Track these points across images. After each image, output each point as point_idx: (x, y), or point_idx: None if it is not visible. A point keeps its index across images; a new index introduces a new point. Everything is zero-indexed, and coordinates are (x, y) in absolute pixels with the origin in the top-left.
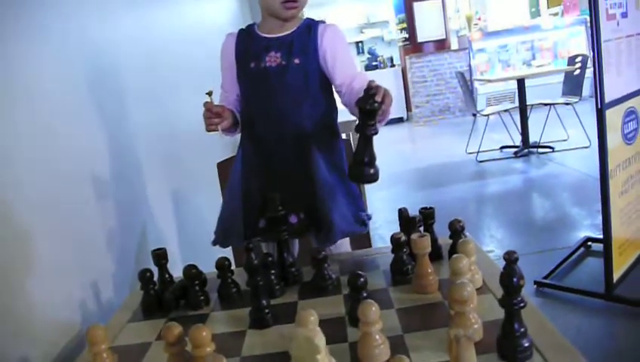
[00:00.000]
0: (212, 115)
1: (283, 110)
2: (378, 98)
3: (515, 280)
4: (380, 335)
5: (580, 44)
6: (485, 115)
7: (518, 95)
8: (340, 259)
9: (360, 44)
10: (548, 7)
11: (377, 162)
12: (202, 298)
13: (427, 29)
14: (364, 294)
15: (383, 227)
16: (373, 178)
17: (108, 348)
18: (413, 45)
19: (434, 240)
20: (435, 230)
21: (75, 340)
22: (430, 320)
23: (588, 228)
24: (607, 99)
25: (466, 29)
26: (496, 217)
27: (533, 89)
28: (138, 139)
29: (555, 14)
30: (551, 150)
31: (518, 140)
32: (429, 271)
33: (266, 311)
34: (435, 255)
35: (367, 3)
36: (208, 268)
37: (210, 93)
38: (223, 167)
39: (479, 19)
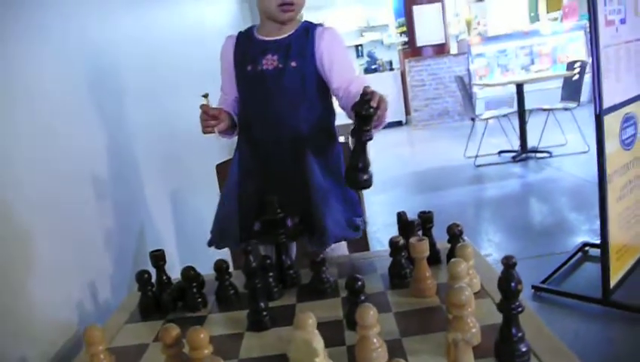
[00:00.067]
0: (208, 118)
1: (279, 113)
2: (373, 103)
3: (513, 284)
4: (378, 339)
5: (579, 50)
6: (484, 120)
7: (517, 100)
8: (338, 262)
9: (360, 48)
10: (547, 13)
11: (377, 165)
12: (200, 300)
13: (427, 33)
14: (362, 297)
15: (381, 230)
16: (367, 184)
17: (105, 349)
18: (412, 49)
19: (432, 244)
20: (434, 234)
21: (72, 340)
22: (428, 324)
23: (586, 233)
24: (606, 104)
25: (465, 34)
26: (495, 221)
27: (532, 94)
28: (137, 140)
29: (555, 19)
30: (549, 155)
31: (516, 145)
32: (427, 274)
33: (264, 313)
34: (434, 259)
35: (367, 6)
36: (206, 270)
37: (206, 96)
38: (222, 169)
39: (478, 23)
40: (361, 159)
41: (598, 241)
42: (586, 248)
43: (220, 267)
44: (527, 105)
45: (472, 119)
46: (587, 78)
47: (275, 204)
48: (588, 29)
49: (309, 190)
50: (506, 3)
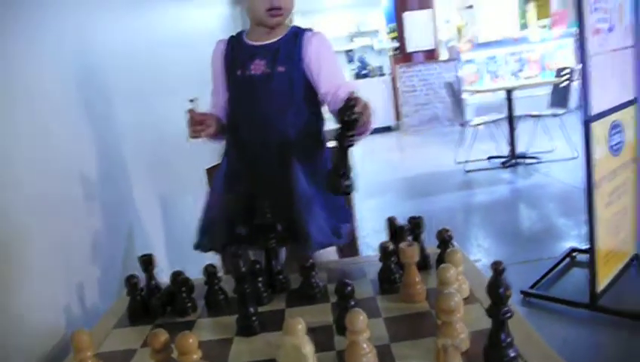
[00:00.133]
0: (195, 123)
1: (267, 117)
2: (358, 109)
3: (502, 290)
4: (368, 344)
5: (568, 57)
6: (473, 126)
7: (507, 106)
8: (327, 267)
9: (350, 53)
10: (536, 20)
11: (367, 170)
12: (189, 304)
13: (417, 39)
14: (352, 303)
15: (370, 235)
16: (349, 190)
17: (94, 354)
18: (403, 55)
19: (422, 250)
20: (424, 239)
21: (59, 344)
22: (417, 329)
23: (574, 239)
24: (594, 111)
25: (455, 40)
26: (484, 227)
27: (521, 100)
28: (127, 143)
29: (544, 27)
30: (538, 161)
31: (505, 151)
32: (417, 280)
33: (253, 318)
34: (423, 264)
35: (358, 12)
36: (196, 275)
37: (193, 100)
38: (212, 173)
39: (468, 30)
40: (343, 165)
41: (585, 247)
42: (574, 253)
43: (210, 271)
44: (517, 112)
45: (462, 125)
46: (575, 84)
47: (265, 209)
48: (576, 37)
49: (293, 197)
50: (495, 10)
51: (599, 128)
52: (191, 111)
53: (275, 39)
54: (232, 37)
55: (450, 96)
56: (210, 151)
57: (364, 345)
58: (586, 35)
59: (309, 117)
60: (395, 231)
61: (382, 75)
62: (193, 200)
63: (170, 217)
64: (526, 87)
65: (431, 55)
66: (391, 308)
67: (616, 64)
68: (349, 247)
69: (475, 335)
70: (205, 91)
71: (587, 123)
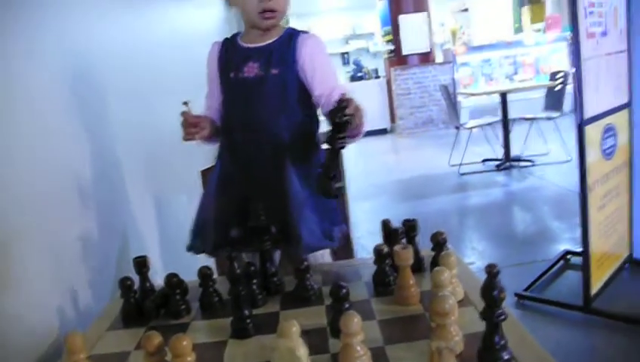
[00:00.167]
0: (189, 125)
1: (260, 120)
2: (349, 111)
3: (495, 293)
4: (362, 347)
5: (562, 61)
6: (468, 128)
7: (501, 109)
8: (322, 270)
9: (345, 55)
10: (531, 24)
11: (362, 173)
12: (183, 307)
13: (412, 42)
14: (347, 305)
15: (365, 237)
16: (339, 192)
17: (87, 357)
18: (398, 57)
19: (416, 252)
20: (418, 242)
21: (53, 346)
22: (412, 331)
23: (567, 242)
24: (587, 115)
25: (450, 43)
26: (478, 229)
27: (516, 103)
28: (122, 144)
29: (538, 31)
30: (532, 164)
31: (500, 153)
32: (411, 282)
33: (248, 320)
34: (417, 267)
35: (354, 14)
36: (190, 277)
37: (186, 103)
38: (206, 175)
39: (463, 33)
40: (333, 167)
41: (579, 249)
42: (568, 256)
43: (204, 273)
44: (511, 115)
45: (457, 127)
46: (569, 88)
47: (260, 211)
48: (570, 41)
49: (286, 199)
50: (490, 13)
51: (593, 131)
52: (185, 113)
53: (269, 41)
54: (226, 39)
55: (445, 98)
56: (206, 153)
57: (359, 348)
58: (579, 38)
59: (302, 119)
60: (390, 233)
61: (377, 77)
62: (188, 202)
63: (164, 219)
64: (520, 90)
65: (426, 58)
66: (385, 311)
67: (610, 68)
68: (344, 249)
69: (469, 338)
70: (201, 93)
71: (581, 126)
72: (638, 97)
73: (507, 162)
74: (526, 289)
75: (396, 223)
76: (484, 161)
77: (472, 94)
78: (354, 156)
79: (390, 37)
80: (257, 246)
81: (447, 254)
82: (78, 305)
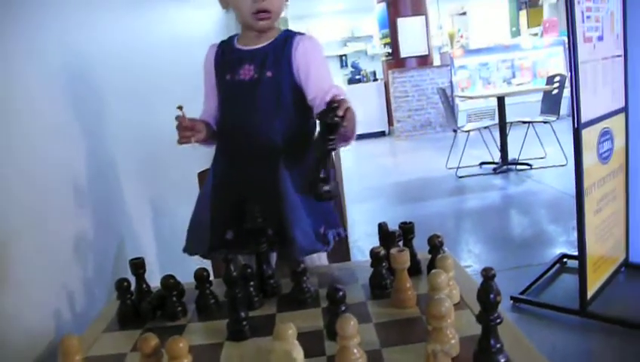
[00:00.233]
0: (184, 128)
1: (255, 123)
2: (340, 112)
3: (492, 296)
4: (358, 350)
5: (559, 64)
6: (465, 131)
7: (498, 112)
8: (318, 272)
9: (344, 58)
10: (528, 28)
11: (360, 175)
12: (180, 309)
13: (410, 45)
14: (343, 308)
15: (362, 239)
16: (329, 195)
17: (82, 359)
18: (396, 60)
19: (413, 255)
20: (415, 245)
21: (48, 350)
22: (408, 334)
23: (564, 245)
24: (584, 119)
25: (448, 46)
26: (475, 233)
27: (513, 107)
28: (120, 145)
29: (535, 34)
30: (529, 167)
31: (497, 157)
32: (408, 285)
33: (244, 323)
34: (414, 270)
35: (352, 17)
36: (187, 279)
37: (180, 108)
38: (204, 177)
39: (461, 36)
40: (323, 169)
41: (575, 253)
42: (564, 259)
43: (201, 275)
44: (508, 118)
45: (454, 131)
46: (566, 92)
47: (256, 213)
48: (567, 45)
49: (280, 202)
50: (488, 17)
51: (589, 135)
52: (179, 117)
53: (264, 44)
54: (223, 41)
55: (442, 102)
56: (203, 155)
57: (355, 351)
58: (576, 42)
59: (298, 122)
60: (387, 236)
61: (375, 80)
62: (185, 204)
63: (161, 221)
64: (517, 94)
65: (424, 61)
66: (382, 314)
67: (606, 72)
68: (341, 252)
69: (465, 341)
70: (200, 94)
71: (577, 130)
72: (634, 102)
73: (504, 165)
74: (522, 293)
75: (393, 226)
76: (482, 164)
77: (470, 97)
78: (352, 158)
79: (388, 40)
80: (254, 248)
81: (443, 257)
82: (75, 307)
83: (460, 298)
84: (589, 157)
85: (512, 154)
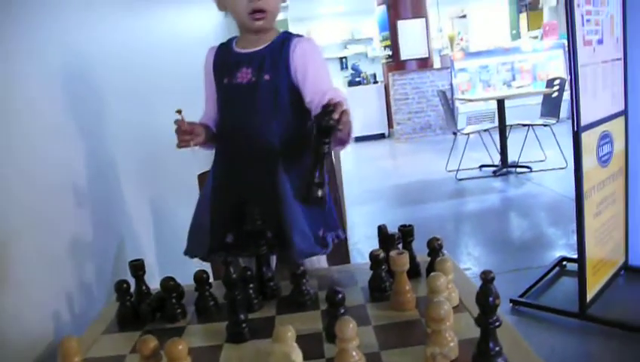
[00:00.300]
0: (183, 132)
1: (252, 126)
2: (335, 115)
3: (490, 299)
4: (357, 352)
5: (559, 67)
6: (465, 134)
7: (498, 115)
8: (318, 275)
9: (344, 60)
10: (528, 31)
11: (359, 177)
12: (179, 310)
13: (410, 47)
14: (342, 310)
15: (362, 242)
16: (321, 201)
17: (81, 361)
18: (396, 62)
19: (412, 258)
20: (414, 247)
21: (47, 351)
22: (407, 337)
23: (563, 248)
24: (583, 122)
25: (448, 49)
26: (474, 235)
27: (513, 109)
28: (121, 147)
29: (535, 37)
30: (529, 170)
31: (497, 159)
32: (407, 288)
33: (244, 325)
34: (413, 272)
35: (352, 19)
36: (186, 281)
37: (179, 112)
38: (204, 179)
39: (461, 39)
40: (317, 173)
41: (575, 256)
42: (564, 262)
43: (200, 278)
44: (508, 121)
45: (454, 133)
46: (566, 95)
47: (256, 216)
48: (567, 48)
49: (279, 205)
50: (488, 20)
51: (589, 139)
52: (178, 121)
53: (262, 46)
54: (221, 44)
55: (442, 104)
56: (204, 157)
57: (354, 353)
58: (576, 46)
59: (296, 124)
60: (386, 239)
61: (375, 82)
62: (185, 206)
63: (161, 223)
64: (517, 97)
65: (424, 63)
66: (381, 316)
67: (606, 75)
68: (340, 254)
69: (464, 344)
70: (199, 95)
71: (577, 133)
72: (634, 105)
73: (504, 168)
74: (521, 296)
75: (393, 228)
76: (481, 166)
77: (470, 100)
78: (351, 161)
79: (388, 42)
80: (253, 250)
81: (443, 260)
82: (74, 307)
83: (459, 301)
84: (589, 161)
85: (511, 157)
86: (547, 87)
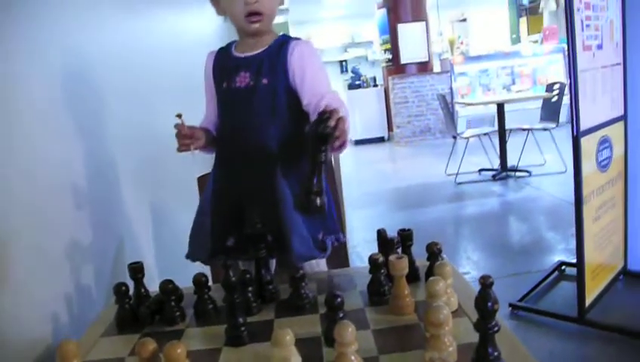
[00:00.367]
0: (183, 136)
1: (251, 130)
2: (331, 122)
3: (489, 304)
4: (356, 356)
5: (558, 72)
6: (465, 138)
7: (498, 119)
8: (317, 278)
9: (344, 63)
10: (528, 35)
11: (359, 181)
12: (178, 313)
13: (410, 51)
14: (341, 314)
15: (361, 245)
16: (320, 209)
17: None
18: (396, 66)
19: (411, 262)
20: (413, 251)
21: (45, 354)
22: (406, 341)
23: (562, 252)
24: (583, 127)
25: (448, 53)
26: (473, 239)
27: (513, 113)
28: (121, 148)
29: (535, 42)
30: (528, 174)
31: (496, 163)
32: (406, 292)
33: (242, 328)
34: (412, 276)
35: (352, 23)
36: (185, 284)
37: (179, 116)
38: (204, 181)
39: (461, 43)
40: (314, 181)
41: (574, 260)
42: (563, 267)
43: (199, 281)
44: (508, 125)
45: (454, 137)
46: (566, 99)
47: (255, 219)
48: (567, 52)
49: (277, 209)
50: (488, 24)
51: (588, 143)
52: (178, 125)
53: (260, 50)
54: (221, 48)
55: (442, 108)
56: (203, 160)
57: (353, 357)
58: (576, 51)
59: (294, 129)
60: (385, 243)
61: (375, 85)
62: (184, 209)
63: (160, 226)
64: (517, 101)
65: (424, 67)
66: (380, 320)
67: (605, 80)
68: (339, 258)
69: (463, 349)
70: (199, 98)
71: (577, 138)
72: (633, 110)
73: (503, 172)
74: (520, 300)
75: (392, 232)
76: (481, 170)
77: (470, 104)
78: (351, 164)
79: (388, 46)
80: (253, 253)
81: (442, 264)
82: (73, 309)
83: (458, 305)
84: (588, 165)
85: (511, 161)
86: (547, 91)
